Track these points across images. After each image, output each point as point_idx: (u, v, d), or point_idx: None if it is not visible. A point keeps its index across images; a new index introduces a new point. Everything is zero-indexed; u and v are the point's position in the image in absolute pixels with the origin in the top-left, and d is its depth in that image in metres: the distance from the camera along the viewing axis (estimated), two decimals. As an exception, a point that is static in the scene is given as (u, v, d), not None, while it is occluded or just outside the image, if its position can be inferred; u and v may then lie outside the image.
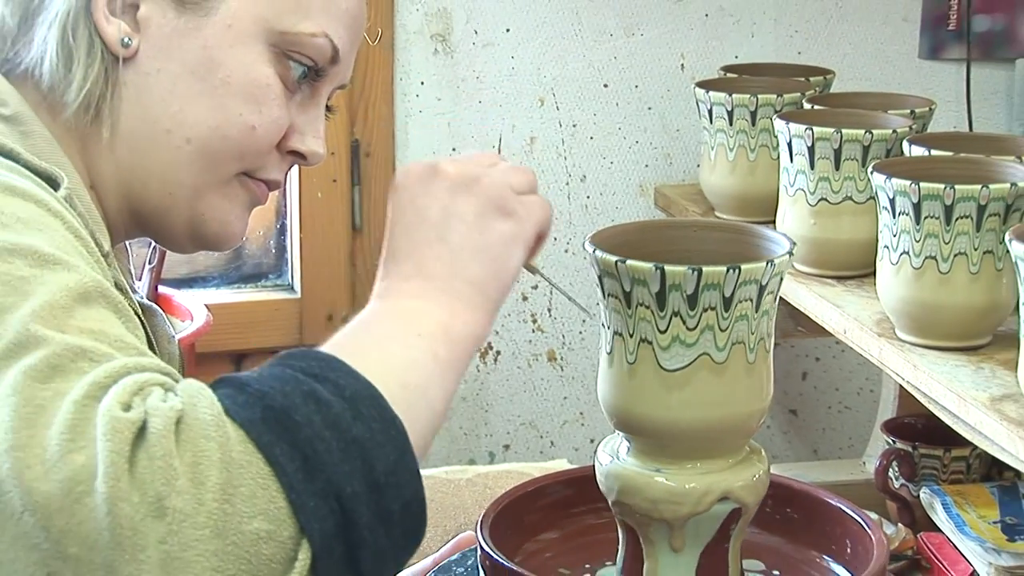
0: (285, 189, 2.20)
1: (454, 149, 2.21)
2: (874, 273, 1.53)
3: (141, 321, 1.12)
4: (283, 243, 2.24)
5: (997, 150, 1.55)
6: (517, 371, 2.30)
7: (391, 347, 0.95)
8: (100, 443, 0.82)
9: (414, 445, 0.89)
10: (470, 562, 1.24)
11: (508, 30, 2.21)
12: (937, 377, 1.40)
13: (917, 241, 1.44)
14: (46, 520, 0.81)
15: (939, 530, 1.74)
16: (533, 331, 2.29)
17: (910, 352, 1.46)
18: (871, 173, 1.48)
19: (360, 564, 0.85)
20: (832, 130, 1.65)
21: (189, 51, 1.11)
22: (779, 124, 1.71)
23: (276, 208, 2.23)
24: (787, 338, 2.11)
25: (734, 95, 1.92)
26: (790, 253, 1.09)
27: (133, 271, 1.30)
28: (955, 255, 1.43)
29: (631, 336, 1.08)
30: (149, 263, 1.89)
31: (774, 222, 1.76)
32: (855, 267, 1.69)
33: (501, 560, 1.13)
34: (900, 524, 1.82)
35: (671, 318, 1.06)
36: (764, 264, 1.06)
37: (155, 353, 1.16)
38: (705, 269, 1.05)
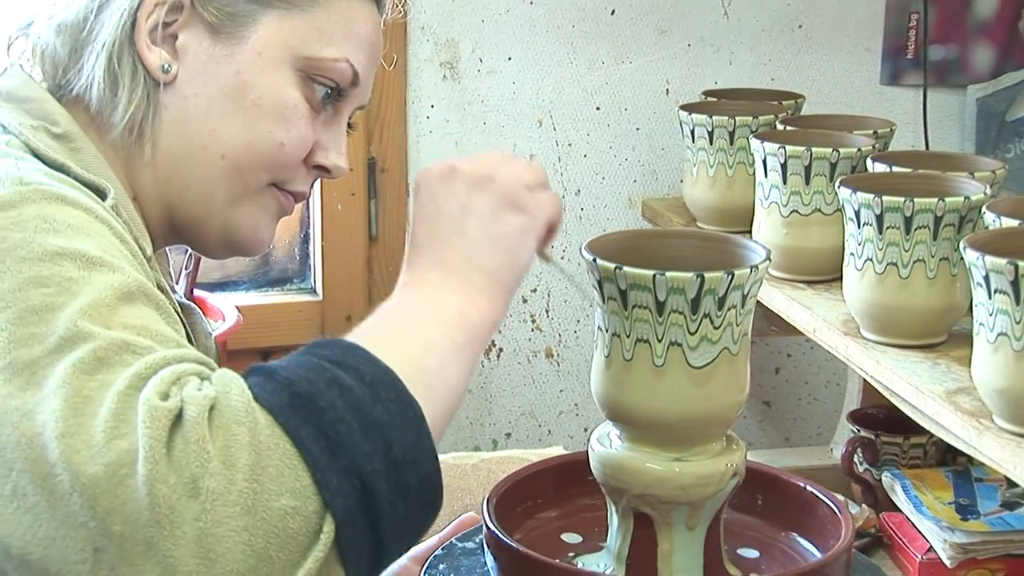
0: (308, 202, 2.20)
1: (461, 166, 2.21)
2: (841, 278, 1.53)
3: (180, 318, 1.12)
4: (306, 251, 2.24)
5: (951, 167, 1.55)
6: (518, 366, 2.30)
7: (411, 333, 0.94)
8: (141, 430, 0.81)
9: (432, 424, 0.88)
10: (473, 541, 1.24)
11: (510, 58, 2.21)
12: (898, 372, 1.40)
13: (880, 249, 1.44)
14: (92, 500, 0.80)
15: (899, 510, 1.74)
16: (532, 330, 2.29)
17: (873, 349, 1.46)
18: (838, 188, 1.48)
19: (381, 535, 0.85)
20: (803, 149, 1.65)
21: (223, 76, 1.11)
22: (755, 143, 1.71)
23: (300, 219, 2.23)
24: (762, 337, 2.11)
25: (714, 117, 1.92)
26: (768, 260, 1.09)
27: (172, 274, 1.30)
28: (914, 262, 1.43)
29: (628, 336, 1.08)
30: (186, 269, 1.88)
31: (750, 232, 1.76)
32: (824, 272, 1.69)
33: (503, 537, 1.13)
34: (864, 505, 1.82)
35: (668, 322, 1.06)
36: (748, 270, 1.06)
37: (193, 347, 1.16)
38: (707, 275, 1.05)
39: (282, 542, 0.81)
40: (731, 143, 1.91)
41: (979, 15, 2.36)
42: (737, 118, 1.90)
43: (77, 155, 1.08)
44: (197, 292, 1.98)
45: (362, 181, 2.16)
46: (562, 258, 2.27)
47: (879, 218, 1.43)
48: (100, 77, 1.10)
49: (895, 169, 1.54)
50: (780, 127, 1.84)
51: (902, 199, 1.41)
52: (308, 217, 2.22)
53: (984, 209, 1.36)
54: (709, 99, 2.09)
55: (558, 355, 2.31)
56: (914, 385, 1.36)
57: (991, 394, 1.23)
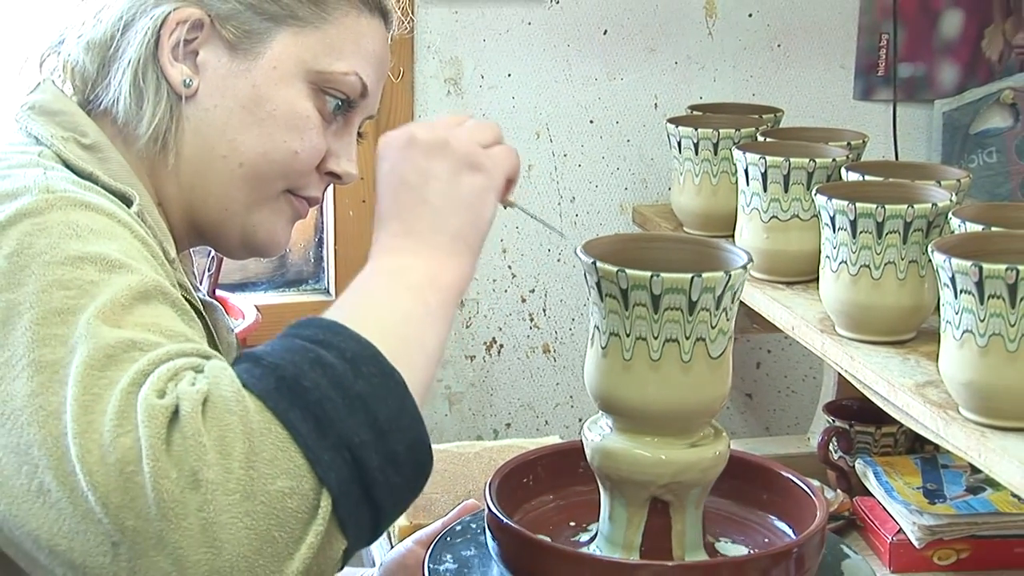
0: (322, 208, 2.20)
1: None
2: (817, 279, 1.52)
3: (203, 315, 1.11)
4: (320, 254, 2.24)
5: (920, 176, 1.55)
6: (517, 361, 2.30)
7: (386, 304, 0.93)
8: (141, 428, 0.80)
9: (414, 390, 0.87)
10: (474, 525, 1.23)
11: (509, 75, 2.21)
12: (870, 366, 1.39)
13: (853, 252, 1.43)
14: (105, 498, 0.80)
15: (871, 495, 1.74)
16: (530, 328, 2.29)
17: (848, 345, 1.46)
18: (815, 195, 1.48)
19: (377, 502, 0.84)
20: (782, 159, 1.65)
21: (241, 89, 1.11)
22: (737, 154, 1.70)
23: (315, 224, 2.23)
24: (744, 334, 2.10)
25: (699, 130, 1.92)
26: (750, 261, 1.09)
27: (196, 274, 1.30)
28: (885, 264, 1.42)
29: (627, 334, 1.07)
30: (208, 270, 1.88)
31: (733, 236, 1.76)
32: (801, 274, 1.68)
33: (504, 518, 1.13)
34: (839, 490, 1.82)
35: (664, 320, 1.06)
36: (734, 273, 1.06)
37: (216, 342, 1.16)
38: (705, 275, 1.04)
39: (283, 522, 0.80)
40: (715, 154, 1.91)
41: (945, 35, 2.36)
42: (721, 130, 1.90)
43: (105, 164, 1.07)
44: (219, 292, 1.97)
45: (372, 189, 2.14)
46: (559, 260, 2.27)
47: (853, 223, 1.42)
48: (126, 91, 1.10)
49: (867, 178, 1.53)
50: (761, 139, 1.84)
51: (874, 206, 1.41)
52: (322, 222, 2.22)
53: (950, 215, 1.35)
54: (695, 113, 2.08)
55: (555, 351, 2.31)
56: (886, 379, 1.36)
57: (957, 387, 1.23)
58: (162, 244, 1.06)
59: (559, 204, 2.25)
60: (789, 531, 1.21)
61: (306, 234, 2.23)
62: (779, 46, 2.31)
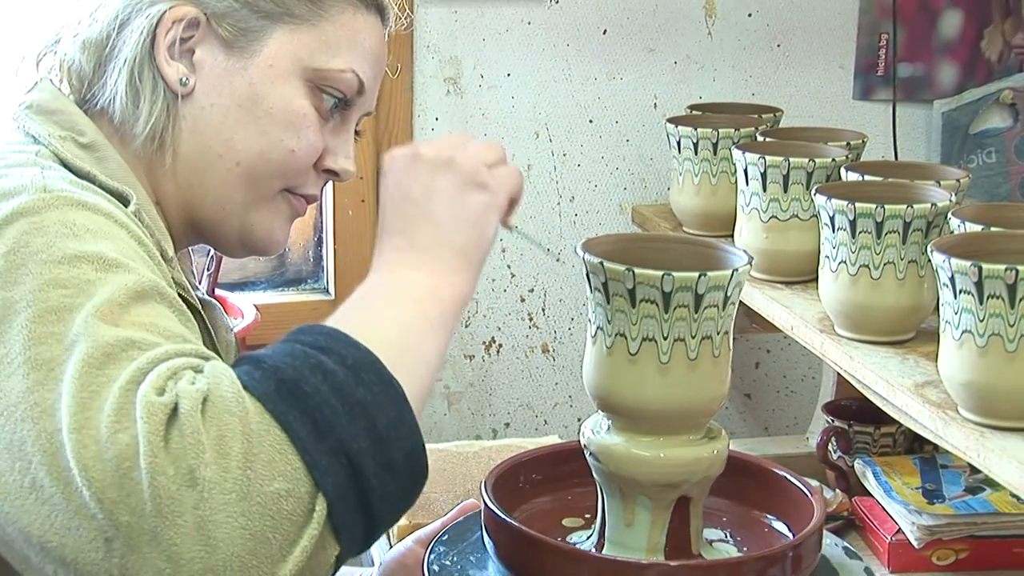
0: (322, 208, 2.20)
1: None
2: (817, 279, 1.52)
3: (201, 315, 1.11)
4: (320, 253, 2.24)
5: (919, 176, 1.55)
6: (516, 361, 2.30)
7: (388, 315, 0.93)
8: (140, 425, 0.80)
9: (412, 399, 0.87)
10: (473, 524, 1.23)
11: (509, 74, 2.20)
12: (870, 366, 1.39)
13: (853, 252, 1.43)
14: (100, 493, 0.80)
15: (870, 495, 1.74)
16: (530, 328, 2.29)
17: (847, 345, 1.46)
18: (814, 195, 1.48)
19: (371, 509, 0.84)
20: (781, 159, 1.64)
21: (237, 87, 1.10)
22: (737, 154, 1.70)
23: (314, 224, 2.22)
24: (743, 333, 2.10)
25: (699, 129, 1.91)
26: (751, 260, 1.09)
27: (195, 273, 1.29)
28: (884, 264, 1.42)
29: (634, 334, 1.07)
30: (207, 269, 1.88)
31: (732, 236, 1.76)
32: (801, 274, 1.68)
33: (502, 515, 1.12)
34: (837, 490, 1.82)
35: (674, 318, 1.06)
36: (741, 269, 1.07)
37: (215, 341, 1.16)
38: (711, 273, 1.04)
39: (277, 524, 0.80)
40: (715, 153, 1.91)
41: (944, 35, 2.35)
42: (720, 130, 1.90)
43: (102, 164, 1.07)
44: (218, 291, 1.97)
45: (371, 188, 2.15)
46: (558, 260, 2.26)
47: (852, 223, 1.42)
48: (123, 90, 1.10)
49: (867, 178, 1.53)
50: (760, 139, 1.84)
51: (873, 206, 1.41)
52: (321, 222, 2.22)
53: (950, 215, 1.35)
54: (694, 113, 2.08)
55: (553, 351, 2.31)
56: (885, 379, 1.36)
57: (956, 387, 1.23)
58: (160, 243, 1.06)
59: (558, 204, 2.25)
60: (787, 531, 1.20)
61: (305, 233, 2.23)
62: (779, 46, 2.31)
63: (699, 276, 1.04)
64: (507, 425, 2.31)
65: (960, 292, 1.19)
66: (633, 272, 1.05)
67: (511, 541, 1.12)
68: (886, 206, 1.40)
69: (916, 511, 1.64)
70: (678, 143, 1.94)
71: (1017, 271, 1.15)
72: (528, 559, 1.11)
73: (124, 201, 1.04)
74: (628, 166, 2.28)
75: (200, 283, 1.84)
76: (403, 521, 1.63)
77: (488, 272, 2.20)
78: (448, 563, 1.18)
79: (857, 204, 1.41)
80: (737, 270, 1.06)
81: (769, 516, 1.23)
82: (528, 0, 2.18)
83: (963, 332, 1.19)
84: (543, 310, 2.29)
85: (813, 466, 1.86)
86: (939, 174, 1.58)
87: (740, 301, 1.12)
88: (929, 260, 1.25)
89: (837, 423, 1.88)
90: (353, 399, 0.84)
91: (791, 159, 1.64)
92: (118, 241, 0.94)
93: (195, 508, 0.79)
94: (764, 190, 1.67)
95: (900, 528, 1.65)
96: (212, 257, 1.88)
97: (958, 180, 1.53)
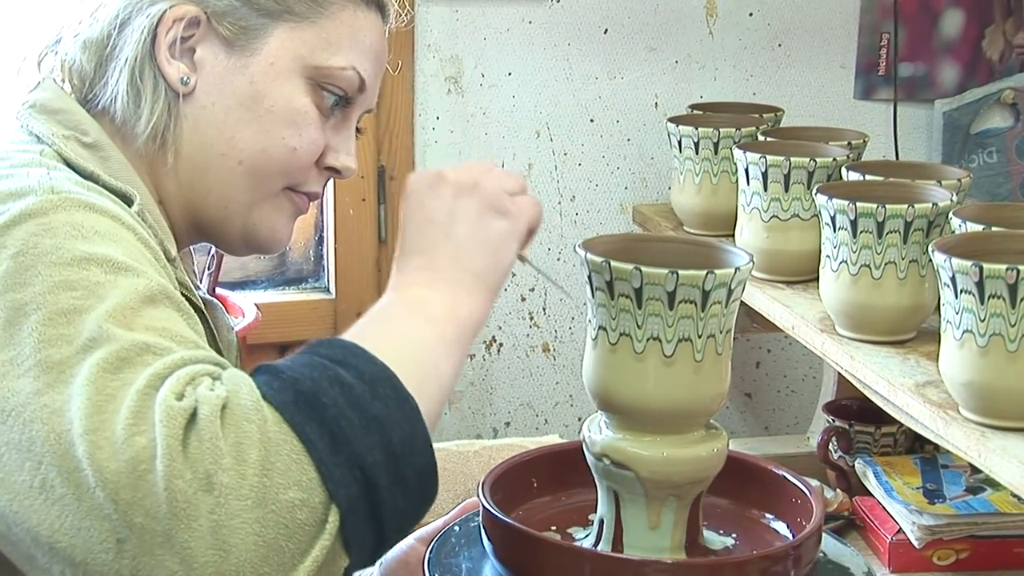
0: (323, 207, 2.20)
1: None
2: (818, 279, 1.52)
3: (204, 315, 1.11)
4: (320, 252, 2.24)
5: (920, 176, 1.54)
6: (517, 360, 2.29)
7: (405, 332, 0.94)
8: (158, 428, 0.81)
9: (426, 416, 0.88)
10: (474, 523, 1.23)
11: (510, 74, 2.20)
12: (870, 366, 1.39)
13: (854, 252, 1.43)
14: (115, 494, 0.80)
15: (871, 495, 1.74)
16: (530, 327, 2.29)
17: (848, 345, 1.46)
18: (815, 195, 1.47)
19: (383, 522, 0.85)
20: (782, 158, 1.64)
21: (238, 86, 1.10)
22: (738, 153, 1.70)
23: (315, 223, 2.22)
24: (744, 333, 2.10)
25: (700, 129, 1.91)
26: (750, 263, 1.09)
27: (196, 272, 1.29)
28: (886, 264, 1.42)
29: (640, 333, 1.07)
30: (208, 268, 1.88)
31: (733, 235, 1.76)
32: (802, 273, 1.68)
33: (499, 515, 1.12)
34: (838, 490, 1.82)
35: (679, 316, 1.06)
36: (745, 267, 1.07)
37: (216, 340, 1.16)
38: (717, 272, 1.05)
39: (291, 532, 0.81)
40: (716, 153, 1.91)
41: (945, 35, 2.35)
42: (721, 130, 1.90)
43: (106, 163, 1.07)
44: (219, 290, 1.97)
45: (372, 188, 2.15)
46: (558, 259, 2.26)
47: (853, 223, 1.42)
48: (124, 90, 1.10)
49: (868, 177, 1.53)
50: (761, 138, 1.84)
51: (874, 205, 1.41)
52: (322, 221, 2.22)
53: (951, 215, 1.35)
54: (695, 112, 2.08)
55: (554, 350, 2.31)
56: (886, 378, 1.36)
57: (957, 387, 1.22)
58: (163, 243, 1.06)
59: (559, 203, 2.25)
60: (786, 531, 1.20)
61: (306, 233, 2.23)
62: (780, 45, 2.31)
63: (706, 274, 1.04)
64: (508, 424, 2.31)
65: (961, 292, 1.18)
66: (641, 271, 1.05)
67: (508, 540, 1.12)
68: (887, 206, 1.40)
69: (917, 511, 1.64)
70: (679, 142, 1.94)
71: (1018, 271, 1.14)
72: (526, 558, 1.11)
73: (128, 201, 1.04)
74: (629, 165, 2.28)
75: (201, 282, 1.84)
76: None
77: (489, 271, 2.20)
78: (449, 562, 1.18)
79: (858, 204, 1.41)
80: (740, 268, 1.06)
81: (768, 516, 1.23)
82: (529, -1, 2.18)
83: (964, 332, 1.19)
84: (544, 309, 2.29)
85: (814, 466, 1.86)
86: (940, 174, 1.58)
87: (741, 301, 1.12)
88: (930, 260, 1.24)
89: (838, 423, 1.88)
90: (369, 413, 0.84)
91: (792, 159, 1.64)
92: (125, 243, 0.94)
93: (211, 512, 0.80)
94: (765, 190, 1.67)
95: (901, 528, 1.65)
96: (213, 256, 1.88)
97: (959, 180, 1.53)
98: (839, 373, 1.55)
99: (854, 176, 1.55)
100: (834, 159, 1.65)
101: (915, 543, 1.63)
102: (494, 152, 2.21)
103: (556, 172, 2.25)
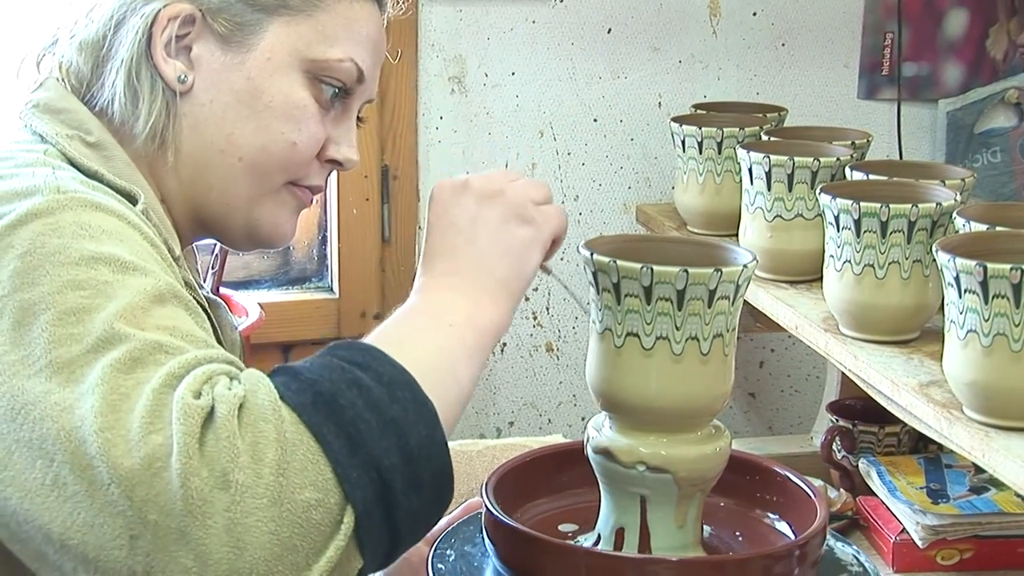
0: (326, 206, 2.20)
1: (468, 173, 2.20)
2: (821, 278, 1.52)
3: (208, 314, 1.11)
4: (324, 252, 2.24)
5: (924, 175, 1.54)
6: (520, 360, 2.29)
7: (426, 336, 0.94)
8: (175, 426, 0.81)
9: (443, 421, 0.88)
10: (475, 524, 1.23)
11: (513, 73, 2.20)
12: (874, 366, 1.39)
13: (857, 251, 1.43)
14: (130, 491, 0.80)
15: (875, 495, 1.74)
16: (534, 326, 2.29)
17: (851, 345, 1.45)
18: (819, 194, 1.47)
19: (397, 524, 0.85)
20: (786, 158, 1.64)
21: (236, 82, 1.10)
22: (741, 153, 1.70)
23: (318, 222, 2.22)
24: (748, 332, 2.10)
25: (703, 128, 1.91)
26: (755, 260, 1.09)
27: (200, 271, 1.29)
28: (889, 263, 1.42)
29: (647, 333, 1.07)
30: (212, 268, 1.88)
31: (737, 235, 1.75)
32: (805, 273, 1.68)
33: (502, 517, 1.12)
34: (842, 489, 1.81)
35: (687, 314, 1.06)
36: (750, 264, 1.07)
37: (220, 339, 1.16)
38: (725, 270, 1.05)
39: (306, 532, 0.81)
40: (719, 153, 1.90)
41: (949, 34, 2.35)
42: (725, 129, 1.90)
43: (109, 163, 1.07)
44: (223, 290, 1.97)
45: (376, 187, 2.15)
46: (562, 259, 2.26)
47: (857, 223, 1.42)
48: (121, 91, 1.09)
49: (872, 177, 1.53)
50: (765, 138, 1.84)
51: (878, 205, 1.40)
52: (326, 221, 2.22)
53: (954, 214, 1.35)
54: (699, 112, 2.08)
55: (558, 349, 2.30)
56: (889, 378, 1.36)
57: (961, 387, 1.22)
58: (167, 242, 1.06)
59: (562, 203, 2.25)
60: (789, 531, 1.20)
61: (310, 232, 2.23)
62: (783, 45, 2.31)
63: (714, 272, 1.04)
64: (511, 424, 2.31)
65: (965, 292, 1.18)
66: (651, 269, 1.04)
67: (510, 541, 1.12)
68: (891, 205, 1.40)
69: (920, 511, 1.64)
70: (682, 142, 1.94)
71: (1022, 270, 1.14)
72: (528, 559, 1.11)
73: (132, 200, 1.04)
74: (632, 165, 2.28)
75: (205, 281, 1.84)
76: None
77: (492, 271, 2.20)
78: (451, 561, 1.18)
79: (862, 203, 1.41)
80: (747, 266, 1.06)
81: (772, 516, 1.23)
82: (533, -1, 2.18)
83: (968, 332, 1.19)
84: (547, 309, 2.29)
85: (817, 465, 1.86)
86: (944, 173, 1.58)
87: (745, 300, 1.12)
88: (934, 259, 1.24)
89: (841, 422, 1.88)
90: (387, 416, 0.85)
91: (796, 158, 1.64)
92: (132, 243, 0.94)
93: (226, 511, 0.80)
94: (769, 189, 1.66)
95: (904, 528, 1.65)
96: (216, 255, 1.88)
97: (963, 179, 1.53)
98: (843, 373, 1.55)
99: (858, 176, 1.55)
100: (838, 159, 1.65)
101: (919, 543, 1.62)
102: (497, 152, 2.21)
103: (559, 172, 2.25)
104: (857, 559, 1.18)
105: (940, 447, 1.68)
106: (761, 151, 1.67)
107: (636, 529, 1.13)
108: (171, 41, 1.09)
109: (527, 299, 2.26)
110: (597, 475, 1.14)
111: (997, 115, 2.37)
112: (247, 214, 1.14)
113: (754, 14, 2.28)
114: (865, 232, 1.42)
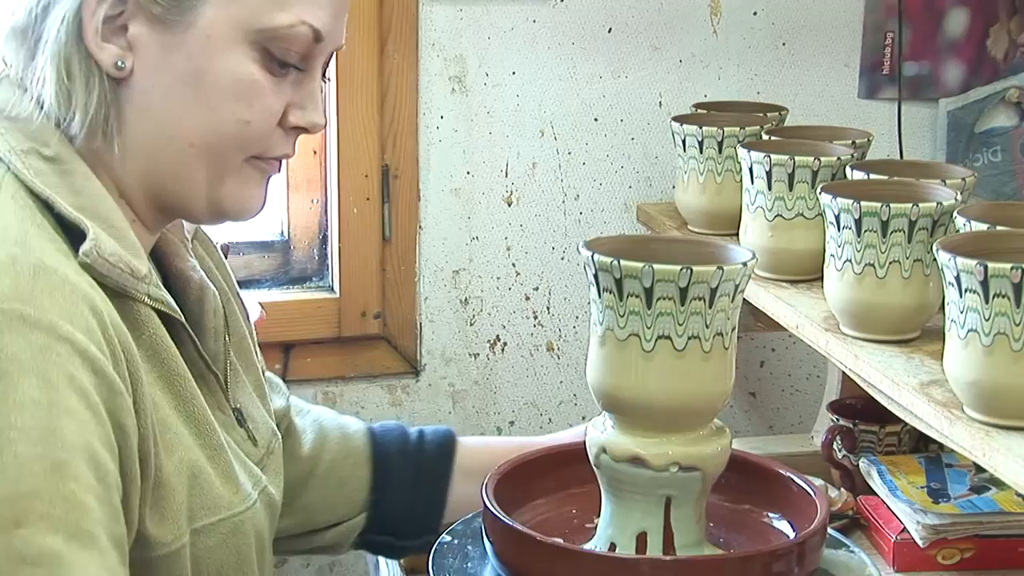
0: (327, 206, 2.20)
1: (468, 172, 2.20)
2: (822, 278, 1.52)
3: (182, 322, 1.07)
4: (325, 251, 2.24)
5: (924, 174, 1.54)
6: (521, 359, 2.29)
7: None
8: None
9: None
10: (474, 525, 1.23)
11: (514, 73, 2.20)
12: (875, 365, 1.39)
13: (858, 251, 1.43)
14: None
15: (875, 494, 1.74)
16: (534, 326, 2.29)
17: (852, 344, 1.45)
18: (819, 194, 1.47)
19: None
20: (786, 157, 1.64)
21: (177, 63, 1.03)
22: (742, 152, 1.70)
23: (319, 222, 2.23)
24: (748, 332, 2.10)
25: (704, 128, 1.91)
26: (754, 258, 1.09)
27: (187, 239, 1.21)
28: (890, 263, 1.42)
29: (649, 333, 1.07)
30: (212, 267, 1.88)
31: (737, 235, 1.75)
32: (806, 273, 1.68)
33: (499, 515, 1.12)
34: (842, 489, 1.81)
35: (689, 312, 1.06)
36: (750, 262, 1.07)
37: (203, 326, 1.12)
38: (726, 268, 1.05)
39: None
40: (720, 152, 1.90)
41: (950, 34, 2.35)
42: (725, 129, 1.90)
43: (68, 178, 1.02)
44: (223, 289, 1.97)
45: (376, 187, 2.15)
46: (562, 258, 2.26)
47: (857, 222, 1.42)
48: (52, 88, 1.03)
49: (872, 176, 1.53)
50: (765, 137, 1.84)
51: (879, 204, 1.40)
52: (326, 220, 2.22)
53: (955, 214, 1.35)
54: (699, 111, 2.08)
55: (558, 349, 2.30)
56: (890, 377, 1.36)
57: (962, 386, 1.22)
58: (130, 264, 1.01)
59: (563, 202, 2.25)
60: (789, 530, 1.20)
61: (310, 231, 2.23)
62: (784, 44, 2.31)
63: (716, 270, 1.04)
64: (512, 423, 2.31)
65: (966, 291, 1.18)
66: (653, 268, 1.04)
67: (509, 542, 1.12)
68: (891, 205, 1.40)
69: (921, 510, 1.64)
70: (683, 141, 1.94)
71: (1023, 270, 1.14)
72: (527, 560, 1.11)
73: (82, 235, 0.98)
74: (633, 164, 2.28)
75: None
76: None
77: (493, 270, 2.20)
78: (452, 561, 1.18)
79: (862, 203, 1.41)
80: (747, 263, 1.06)
81: (772, 515, 1.23)
82: (533, -2, 2.18)
83: (969, 331, 1.19)
84: (548, 308, 2.28)
85: (818, 465, 1.86)
86: (945, 173, 1.58)
87: (745, 300, 1.12)
88: (935, 259, 1.24)
89: (842, 422, 1.88)
90: None
91: (796, 158, 1.64)
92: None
93: None
94: (769, 189, 1.66)
95: (905, 527, 1.65)
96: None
97: (964, 179, 1.53)
98: (843, 372, 1.55)
99: (858, 175, 1.55)
100: (838, 158, 1.65)
101: (919, 542, 1.62)
102: (498, 151, 2.21)
103: (560, 171, 2.25)
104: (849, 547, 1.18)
105: (941, 446, 1.68)
106: (762, 150, 1.67)
107: (660, 531, 1.12)
108: (103, 23, 1.02)
109: (527, 298, 2.26)
110: (610, 484, 1.13)
111: (998, 114, 2.37)
112: (209, 196, 1.08)
113: (755, 13, 2.28)
114: (866, 231, 1.42)
